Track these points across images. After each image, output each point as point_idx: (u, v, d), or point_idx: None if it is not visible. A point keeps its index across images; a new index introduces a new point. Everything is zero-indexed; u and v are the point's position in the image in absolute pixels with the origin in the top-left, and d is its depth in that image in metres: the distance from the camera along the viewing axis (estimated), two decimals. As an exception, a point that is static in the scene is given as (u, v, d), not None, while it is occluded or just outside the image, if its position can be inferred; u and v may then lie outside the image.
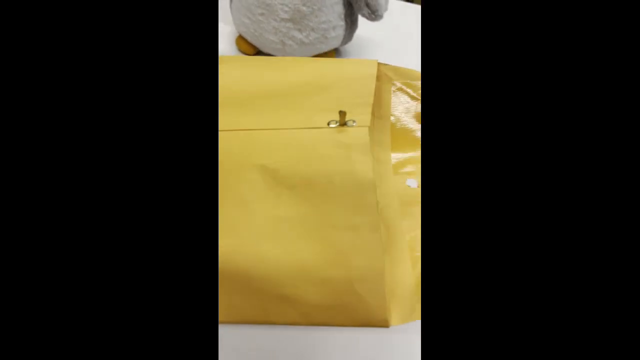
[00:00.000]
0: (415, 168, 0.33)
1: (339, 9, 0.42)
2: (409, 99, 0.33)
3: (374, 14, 0.42)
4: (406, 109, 0.33)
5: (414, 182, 0.32)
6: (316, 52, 0.46)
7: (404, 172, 0.33)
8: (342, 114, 0.25)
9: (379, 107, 0.33)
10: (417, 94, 0.33)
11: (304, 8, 0.40)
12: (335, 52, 0.49)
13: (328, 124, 0.26)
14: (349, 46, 0.51)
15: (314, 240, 0.24)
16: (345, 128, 0.25)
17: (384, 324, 0.25)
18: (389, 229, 0.29)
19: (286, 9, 0.40)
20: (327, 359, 0.25)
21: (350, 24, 0.45)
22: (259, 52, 0.48)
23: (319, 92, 0.29)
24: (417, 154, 0.34)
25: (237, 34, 0.48)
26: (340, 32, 0.44)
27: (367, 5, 0.41)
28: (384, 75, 0.34)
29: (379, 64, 0.33)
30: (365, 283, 0.24)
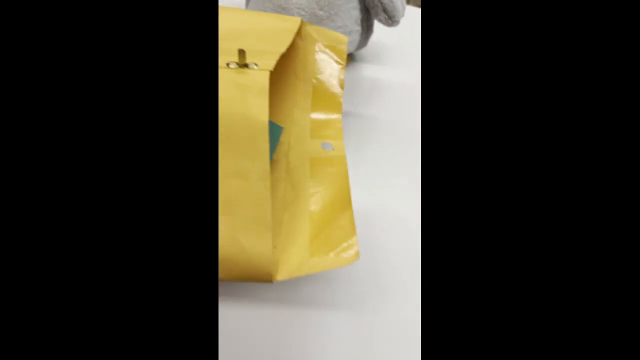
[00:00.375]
0: (334, 132, 0.32)
1: (356, 13, 0.42)
2: (333, 63, 0.32)
3: (391, 20, 0.42)
4: (330, 74, 0.31)
5: (330, 146, 0.31)
6: (331, 57, 0.46)
7: (323, 135, 0.32)
8: (242, 53, 0.23)
9: (302, 68, 0.32)
10: (342, 59, 0.31)
11: (321, 12, 0.40)
12: (349, 57, 0.49)
13: (227, 64, 0.24)
14: (364, 51, 0.51)
15: None
16: (245, 70, 0.23)
17: (268, 278, 0.23)
18: (294, 187, 0.28)
19: (302, 12, 0.40)
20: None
21: (366, 29, 0.45)
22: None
23: (232, 38, 0.27)
24: (337, 117, 0.33)
25: (251, 38, 0.48)
26: (355, 37, 0.44)
27: (384, 10, 0.41)
28: (308, 36, 0.32)
29: (303, 22, 0.31)
30: (250, 235, 0.22)
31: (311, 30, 0.32)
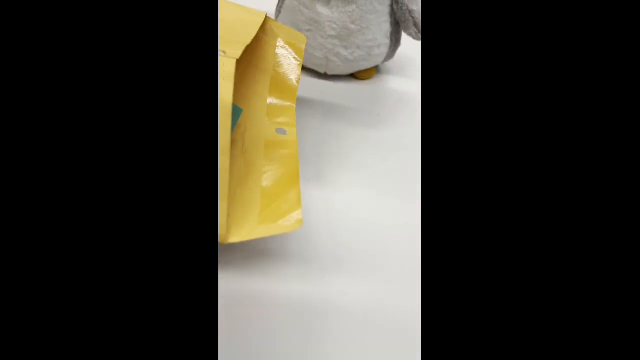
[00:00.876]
0: (289, 119, 0.35)
1: (386, 27, 0.42)
2: (291, 59, 0.34)
3: (421, 33, 0.42)
4: (288, 68, 0.34)
5: (284, 131, 0.34)
6: (358, 69, 0.46)
7: (277, 122, 0.35)
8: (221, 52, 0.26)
9: (263, 60, 0.34)
10: (300, 56, 0.34)
11: (353, 26, 0.40)
12: (376, 69, 0.49)
13: None
14: (390, 63, 0.51)
15: None
16: None
17: (221, 240, 0.26)
18: (248, 165, 0.31)
19: (334, 26, 0.40)
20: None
21: (395, 42, 0.45)
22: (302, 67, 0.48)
23: None
24: (291, 104, 0.35)
25: (279, 48, 0.48)
26: (384, 50, 0.44)
27: (415, 24, 0.41)
28: (270, 31, 0.34)
29: (267, 18, 0.33)
30: None
31: (274, 25, 0.34)
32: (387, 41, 0.43)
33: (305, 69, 0.48)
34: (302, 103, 0.44)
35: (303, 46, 0.34)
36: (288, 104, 0.35)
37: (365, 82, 0.48)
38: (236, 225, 0.27)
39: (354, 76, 0.48)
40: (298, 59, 0.35)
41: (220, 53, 0.26)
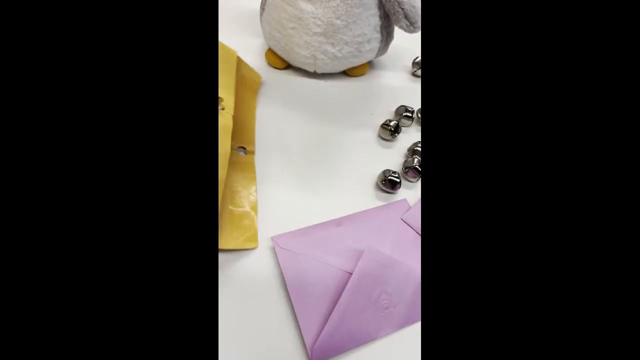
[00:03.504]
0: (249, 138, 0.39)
1: (375, 21, 0.40)
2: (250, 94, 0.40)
3: (413, 26, 0.39)
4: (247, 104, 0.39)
5: (242, 151, 0.38)
6: (349, 66, 0.44)
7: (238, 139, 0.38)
8: (220, 100, 0.31)
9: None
10: (255, 90, 0.41)
11: (338, 21, 0.38)
12: (368, 65, 0.46)
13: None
14: (383, 58, 0.48)
15: None
16: (221, 112, 0.31)
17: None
18: (227, 186, 0.34)
19: (319, 22, 0.38)
20: None
21: (386, 36, 0.42)
22: (289, 66, 0.46)
23: None
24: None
25: (266, 47, 0.47)
26: (375, 44, 0.42)
27: (406, 17, 0.39)
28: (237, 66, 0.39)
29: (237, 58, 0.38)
30: None
31: (240, 64, 0.39)
32: (378, 35, 0.41)
33: (294, 69, 0.46)
34: (291, 103, 0.42)
35: (259, 81, 0.42)
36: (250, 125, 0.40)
37: (358, 78, 0.46)
38: (222, 235, 0.31)
39: (346, 73, 0.46)
40: (253, 92, 0.41)
41: (220, 107, 0.31)
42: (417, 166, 0.36)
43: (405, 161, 0.37)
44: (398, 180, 0.34)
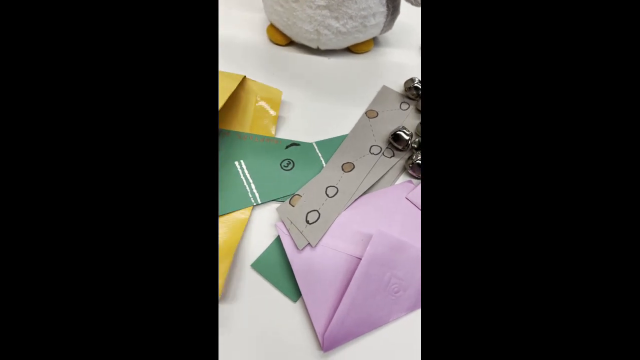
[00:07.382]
0: None
1: (381, -7, 0.38)
2: (270, 111, 0.38)
3: (420, -1, 0.38)
4: (265, 123, 0.38)
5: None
6: (354, 42, 0.42)
7: None
8: None
9: (243, 114, 0.38)
10: (275, 109, 0.38)
11: (343, -6, 0.36)
12: (373, 41, 0.45)
13: None
14: (389, 34, 0.47)
15: None
16: None
17: None
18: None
19: (323, -5, 0.36)
20: None
21: (392, 10, 0.41)
22: (291, 42, 0.44)
23: None
24: None
25: (268, 23, 0.45)
26: (380, 19, 0.40)
27: (413, -11, 0.37)
28: (250, 90, 0.38)
29: (245, 78, 0.38)
30: None
31: (253, 84, 0.38)
32: (383, 9, 0.39)
33: (296, 45, 0.44)
34: (292, 81, 0.41)
35: (279, 100, 0.38)
36: None
37: (363, 55, 0.44)
38: None
39: (350, 50, 0.44)
40: (274, 112, 0.38)
41: None
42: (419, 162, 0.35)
43: (409, 158, 0.36)
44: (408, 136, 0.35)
